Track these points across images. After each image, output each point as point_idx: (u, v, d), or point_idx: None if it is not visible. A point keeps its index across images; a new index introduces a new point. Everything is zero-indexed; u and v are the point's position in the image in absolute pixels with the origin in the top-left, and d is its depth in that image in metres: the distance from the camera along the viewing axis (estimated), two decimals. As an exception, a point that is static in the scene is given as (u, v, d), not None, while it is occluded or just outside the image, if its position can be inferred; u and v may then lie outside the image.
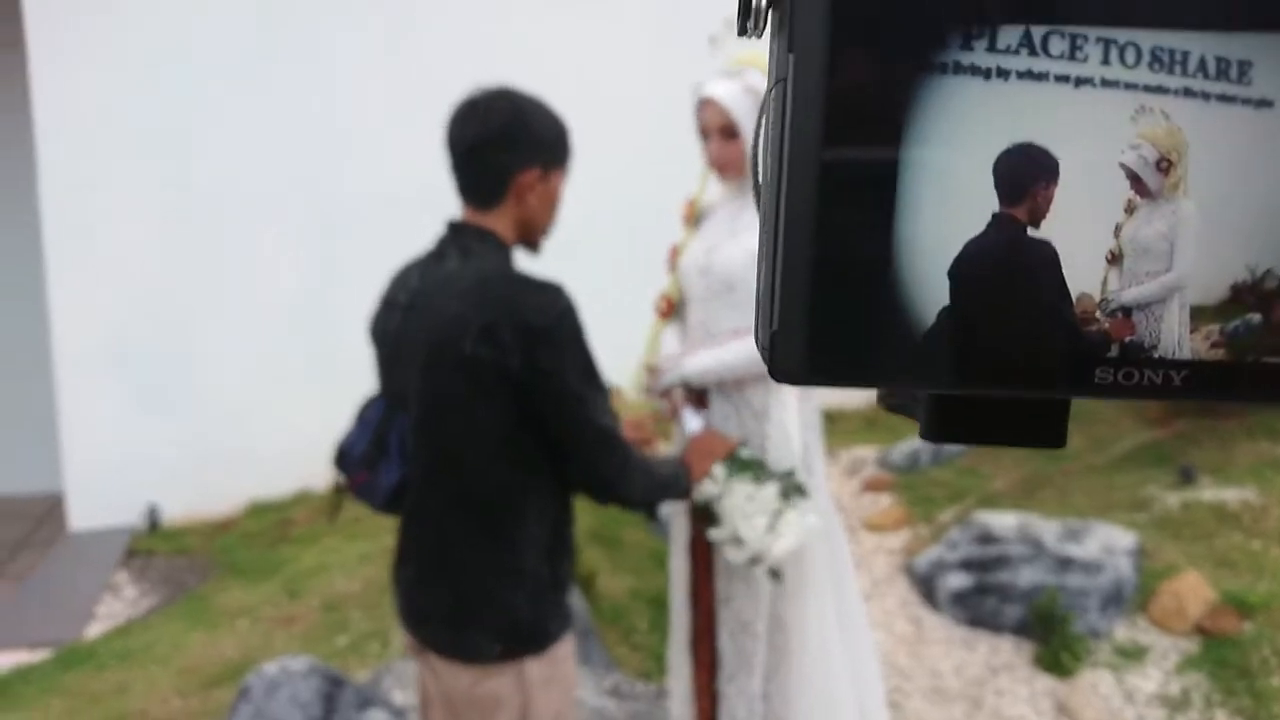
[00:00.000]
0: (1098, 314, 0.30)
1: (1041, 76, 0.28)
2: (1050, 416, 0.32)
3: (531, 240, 1.47)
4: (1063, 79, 0.28)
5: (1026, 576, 3.04)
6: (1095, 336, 0.30)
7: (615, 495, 1.44)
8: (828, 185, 0.28)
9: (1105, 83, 0.28)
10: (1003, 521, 3.29)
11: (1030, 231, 0.29)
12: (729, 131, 1.77)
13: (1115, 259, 0.30)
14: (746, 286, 1.79)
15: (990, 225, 0.29)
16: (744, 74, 1.76)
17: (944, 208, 0.29)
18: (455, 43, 4.16)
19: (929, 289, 0.29)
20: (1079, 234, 0.29)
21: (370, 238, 3.90)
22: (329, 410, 4.40)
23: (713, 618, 1.94)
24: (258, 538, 3.92)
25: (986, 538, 3.23)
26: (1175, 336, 0.30)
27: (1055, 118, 0.29)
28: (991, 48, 0.28)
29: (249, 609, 3.21)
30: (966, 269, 0.29)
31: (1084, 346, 0.30)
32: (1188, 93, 0.28)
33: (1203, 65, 0.28)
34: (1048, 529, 3.20)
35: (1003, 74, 0.28)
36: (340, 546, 3.56)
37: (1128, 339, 0.30)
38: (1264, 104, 0.28)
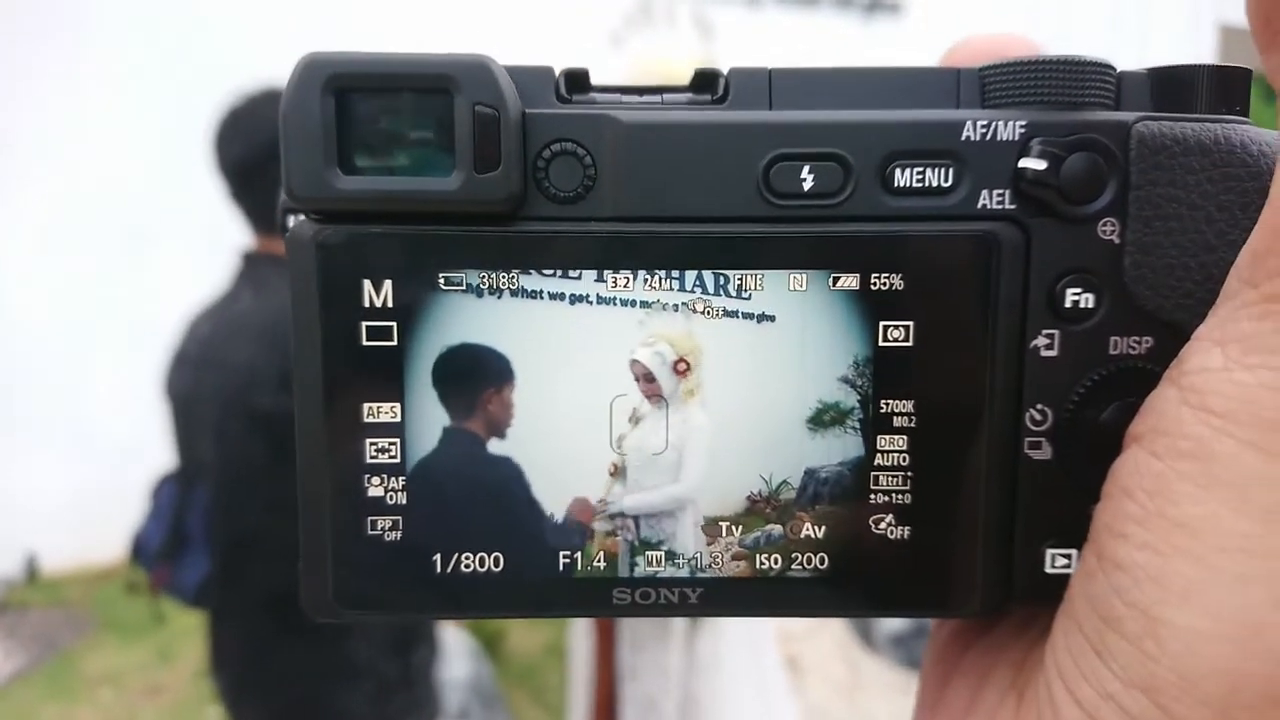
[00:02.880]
0: (597, 529, 0.30)
1: (535, 294, 0.29)
2: None
3: None
4: (557, 297, 0.29)
5: (967, 617, 2.94)
6: (606, 553, 0.30)
7: None
8: (335, 441, 0.30)
9: (601, 300, 0.29)
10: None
11: (492, 446, 0.29)
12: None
13: (618, 471, 0.30)
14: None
15: (441, 442, 0.29)
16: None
17: (410, 432, 0.29)
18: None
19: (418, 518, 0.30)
20: (567, 444, 0.30)
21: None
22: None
23: (612, 694, 1.72)
24: (142, 588, 3.60)
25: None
26: (690, 551, 0.30)
27: (550, 331, 0.29)
28: (499, 297, 0.29)
29: (116, 675, 2.92)
30: (415, 489, 0.30)
31: (583, 574, 0.30)
32: (687, 308, 0.29)
33: (701, 282, 0.29)
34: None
35: (495, 291, 0.29)
36: (225, 600, 3.27)
37: (635, 555, 0.30)
38: (765, 319, 0.29)
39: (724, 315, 0.29)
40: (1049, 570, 0.29)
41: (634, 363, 0.29)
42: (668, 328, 0.29)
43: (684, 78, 0.32)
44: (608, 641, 1.73)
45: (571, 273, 0.29)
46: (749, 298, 0.29)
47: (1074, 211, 0.28)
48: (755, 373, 0.29)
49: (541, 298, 0.29)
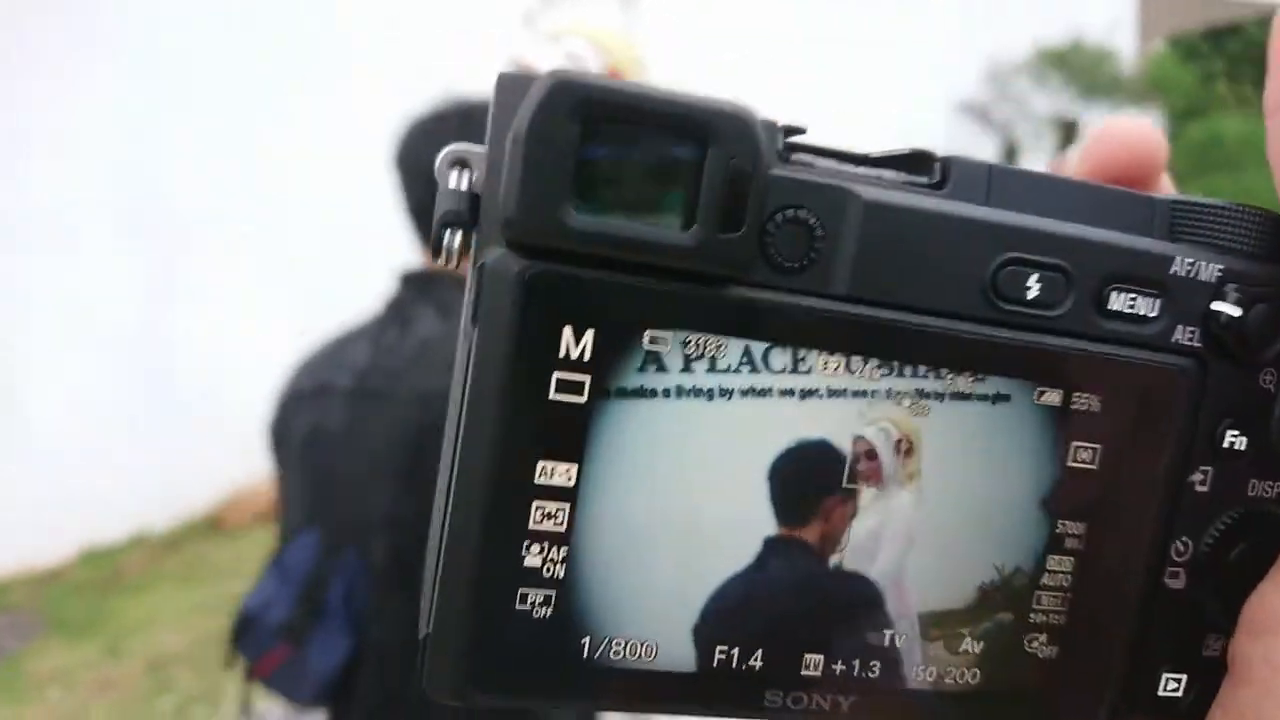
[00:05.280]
0: None
1: (765, 393, 0.27)
2: None
3: None
4: (787, 393, 0.27)
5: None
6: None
7: None
8: (499, 499, 0.26)
9: (832, 392, 0.27)
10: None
11: (826, 563, 0.28)
12: None
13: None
14: None
15: (764, 553, 0.28)
16: (562, 41, 1.57)
17: (583, 499, 0.26)
18: (291, 44, 3.86)
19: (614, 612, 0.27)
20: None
21: (215, 252, 3.59)
22: (166, 445, 4.01)
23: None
24: (88, 588, 3.58)
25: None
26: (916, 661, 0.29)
27: (794, 429, 0.27)
28: (712, 369, 0.27)
29: (65, 673, 2.89)
30: (720, 606, 0.27)
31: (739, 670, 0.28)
32: (919, 394, 0.28)
33: (917, 371, 0.28)
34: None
35: (724, 393, 0.27)
36: (172, 595, 3.27)
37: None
38: (1000, 399, 0.28)
39: (952, 399, 0.28)
40: (1161, 693, 0.30)
41: (858, 439, 0.28)
42: (888, 410, 0.28)
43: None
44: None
45: (800, 366, 0.27)
46: (984, 379, 0.28)
47: (1249, 357, 0.29)
48: (984, 455, 0.29)
49: (771, 395, 0.27)
